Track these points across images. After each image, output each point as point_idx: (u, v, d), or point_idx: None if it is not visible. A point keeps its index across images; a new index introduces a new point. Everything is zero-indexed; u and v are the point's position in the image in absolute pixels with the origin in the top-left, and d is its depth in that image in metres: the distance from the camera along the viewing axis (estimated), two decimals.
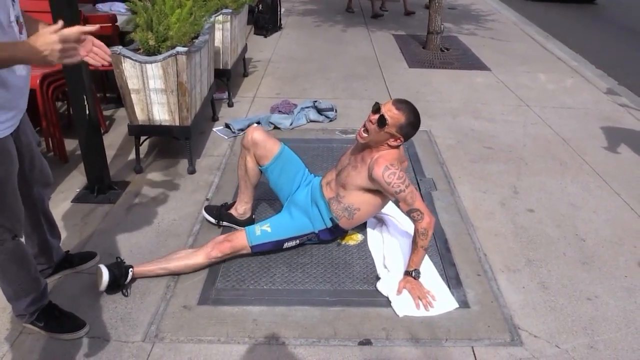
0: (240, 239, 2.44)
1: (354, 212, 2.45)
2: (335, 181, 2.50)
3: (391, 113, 2.26)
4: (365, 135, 2.32)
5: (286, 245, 2.52)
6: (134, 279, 2.34)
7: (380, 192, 2.37)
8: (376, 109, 2.30)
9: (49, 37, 1.47)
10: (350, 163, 2.46)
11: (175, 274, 2.39)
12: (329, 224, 2.50)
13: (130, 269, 2.30)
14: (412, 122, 2.31)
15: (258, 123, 4.03)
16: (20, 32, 1.64)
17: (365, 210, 2.47)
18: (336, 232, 2.58)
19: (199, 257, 2.39)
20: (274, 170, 2.59)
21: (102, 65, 1.84)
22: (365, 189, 2.39)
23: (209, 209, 2.81)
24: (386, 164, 2.26)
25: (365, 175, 2.35)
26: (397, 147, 2.36)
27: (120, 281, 2.26)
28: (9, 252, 1.86)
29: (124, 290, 2.29)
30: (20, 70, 1.69)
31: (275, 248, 2.51)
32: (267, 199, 3.01)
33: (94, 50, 1.78)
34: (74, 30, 1.53)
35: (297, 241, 2.54)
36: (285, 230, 2.50)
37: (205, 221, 2.82)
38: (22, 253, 1.92)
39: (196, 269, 2.41)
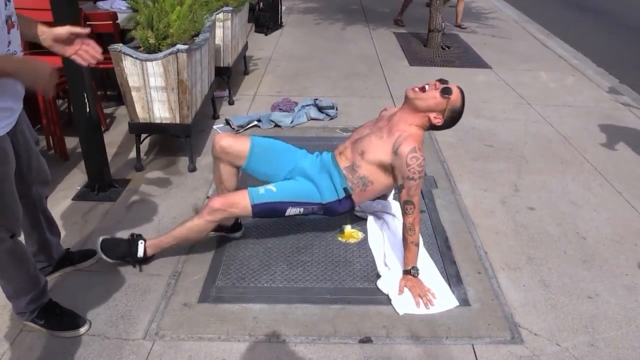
0: (242, 195, 2.31)
1: (367, 184, 2.39)
2: (351, 149, 2.43)
3: (456, 91, 2.33)
4: (419, 91, 2.32)
5: (289, 211, 2.37)
6: (150, 258, 2.40)
7: (393, 172, 2.33)
8: (445, 81, 2.34)
9: (47, 70, 1.54)
10: (374, 132, 2.41)
11: (185, 242, 2.39)
12: (342, 195, 2.41)
13: (141, 241, 2.34)
14: (460, 112, 2.38)
15: (259, 121, 4.03)
16: (9, 32, 1.63)
17: (377, 186, 2.40)
18: (345, 206, 2.45)
19: (200, 218, 2.28)
20: (256, 164, 2.49)
21: (96, 64, 1.85)
22: (381, 164, 2.34)
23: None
24: (415, 146, 2.24)
25: (389, 148, 2.30)
26: (430, 128, 2.39)
27: (130, 251, 2.33)
28: (8, 252, 1.85)
29: (137, 265, 2.36)
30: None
31: (277, 212, 2.36)
32: None
33: (82, 49, 1.79)
34: (63, 29, 1.56)
35: (302, 209, 2.39)
36: (291, 193, 2.37)
37: None
38: (21, 252, 1.92)
39: (201, 230, 2.30)
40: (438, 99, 2.29)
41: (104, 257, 2.33)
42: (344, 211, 2.52)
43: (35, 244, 2.19)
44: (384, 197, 2.85)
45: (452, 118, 2.37)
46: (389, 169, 2.35)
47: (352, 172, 2.40)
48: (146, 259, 2.40)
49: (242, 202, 2.29)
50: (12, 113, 1.73)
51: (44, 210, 2.18)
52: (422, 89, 2.31)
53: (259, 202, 2.30)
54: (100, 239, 2.36)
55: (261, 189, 2.35)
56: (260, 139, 2.56)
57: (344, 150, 2.49)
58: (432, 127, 2.38)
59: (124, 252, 2.35)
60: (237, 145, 2.47)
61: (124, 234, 2.67)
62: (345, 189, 2.41)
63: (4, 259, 1.87)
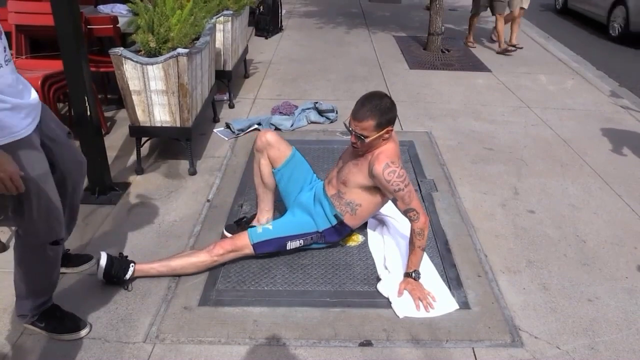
0: (242, 237, 2.43)
1: (355, 207, 2.44)
2: (336, 178, 2.50)
3: (360, 126, 2.26)
4: (360, 146, 2.32)
5: (289, 245, 2.49)
6: (134, 278, 2.34)
7: (379, 189, 2.37)
8: (348, 130, 2.31)
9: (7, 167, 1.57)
10: (351, 160, 2.46)
11: (178, 274, 2.39)
12: (334, 222, 2.48)
13: (132, 264, 2.31)
14: (382, 109, 2.26)
15: (259, 124, 4.04)
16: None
17: (366, 206, 2.46)
18: (342, 231, 2.55)
19: (201, 255, 2.38)
20: (285, 174, 2.57)
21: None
22: (365, 187, 2.39)
23: (230, 228, 2.72)
24: (387, 161, 2.26)
25: (365, 172, 2.35)
26: (390, 137, 2.35)
27: (119, 274, 2.28)
28: (46, 257, 1.87)
29: (126, 286, 2.30)
30: (9, 81, 1.70)
31: (278, 248, 2.48)
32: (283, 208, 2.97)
33: None
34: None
35: (301, 241, 2.50)
36: (287, 228, 2.48)
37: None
38: (56, 259, 1.93)
39: (198, 268, 2.39)
40: (366, 143, 2.28)
41: (100, 275, 2.27)
42: (343, 236, 2.61)
43: None
44: None
45: (387, 116, 2.27)
46: (373, 189, 2.39)
47: (338, 200, 2.46)
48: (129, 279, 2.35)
49: (241, 242, 2.43)
50: (29, 111, 1.74)
51: (72, 204, 2.14)
52: (355, 144, 2.31)
53: (258, 240, 2.43)
54: (105, 258, 2.28)
55: (259, 229, 2.46)
56: (300, 154, 2.64)
57: (331, 179, 2.55)
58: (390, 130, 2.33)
59: (113, 272, 2.28)
60: (282, 145, 2.57)
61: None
62: (335, 216, 2.48)
63: (39, 262, 1.88)
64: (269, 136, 2.55)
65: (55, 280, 2.01)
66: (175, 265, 2.37)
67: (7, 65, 1.68)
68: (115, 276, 2.28)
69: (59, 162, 1.95)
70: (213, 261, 2.39)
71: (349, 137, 2.36)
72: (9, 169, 1.59)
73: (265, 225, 2.48)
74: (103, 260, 2.27)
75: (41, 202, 1.77)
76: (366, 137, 2.27)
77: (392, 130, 2.33)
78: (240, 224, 2.72)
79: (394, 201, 2.34)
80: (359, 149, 2.34)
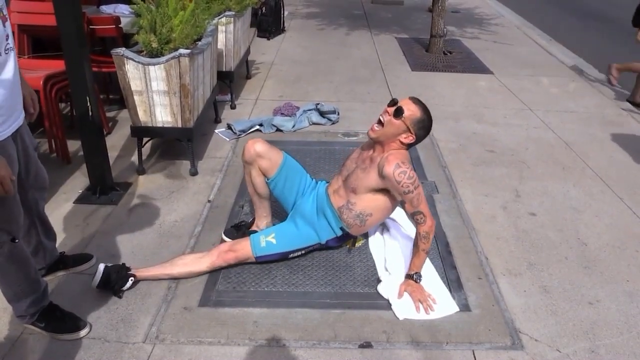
0: (245, 250, 2.42)
1: (365, 218, 2.42)
2: (344, 187, 2.45)
3: (409, 106, 2.27)
4: (377, 128, 2.29)
5: (292, 255, 2.50)
6: (136, 282, 2.34)
7: (390, 193, 2.34)
8: (393, 102, 2.29)
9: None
10: (358, 166, 2.43)
11: (178, 278, 2.39)
12: (339, 233, 2.48)
13: (131, 278, 2.30)
14: (426, 120, 2.31)
15: (260, 125, 4.04)
16: (4, 25, 1.64)
17: (376, 216, 2.44)
18: (343, 239, 2.56)
19: (202, 265, 2.38)
20: (280, 181, 2.55)
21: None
22: (376, 190, 2.35)
23: (229, 233, 2.71)
24: (397, 162, 2.24)
25: (375, 175, 2.31)
26: (408, 146, 2.34)
27: (115, 285, 2.26)
28: (8, 255, 1.86)
29: (118, 294, 2.27)
30: (10, 74, 1.68)
31: (280, 258, 2.49)
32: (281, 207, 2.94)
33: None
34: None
35: (303, 251, 2.52)
36: (290, 242, 2.47)
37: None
38: (21, 256, 1.92)
39: (202, 273, 2.41)
40: (395, 123, 2.26)
41: (95, 283, 2.25)
42: (345, 242, 2.62)
43: (30, 247, 2.19)
44: None
45: (422, 128, 2.31)
46: (384, 192, 2.36)
47: (347, 211, 2.42)
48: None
49: (244, 254, 2.43)
50: (9, 115, 1.72)
51: (39, 215, 2.17)
52: (380, 123, 2.29)
53: (261, 254, 2.44)
54: (101, 273, 2.26)
55: (262, 242, 2.44)
56: (290, 157, 2.61)
57: (337, 189, 2.49)
58: (411, 144, 2.33)
59: (111, 282, 2.26)
60: (272, 153, 2.53)
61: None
62: (341, 228, 2.47)
63: (4, 262, 1.87)
64: (258, 147, 2.49)
65: (35, 277, 1.99)
66: (176, 274, 2.37)
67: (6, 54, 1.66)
68: (113, 288, 2.27)
69: (23, 174, 1.94)
70: (213, 268, 2.41)
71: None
72: (1, 172, 1.58)
73: (268, 239, 2.44)
74: (99, 276, 2.24)
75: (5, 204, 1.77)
76: (403, 114, 2.23)
77: (412, 140, 2.30)
78: (240, 229, 2.71)
79: (402, 203, 2.33)
80: (377, 131, 2.29)
